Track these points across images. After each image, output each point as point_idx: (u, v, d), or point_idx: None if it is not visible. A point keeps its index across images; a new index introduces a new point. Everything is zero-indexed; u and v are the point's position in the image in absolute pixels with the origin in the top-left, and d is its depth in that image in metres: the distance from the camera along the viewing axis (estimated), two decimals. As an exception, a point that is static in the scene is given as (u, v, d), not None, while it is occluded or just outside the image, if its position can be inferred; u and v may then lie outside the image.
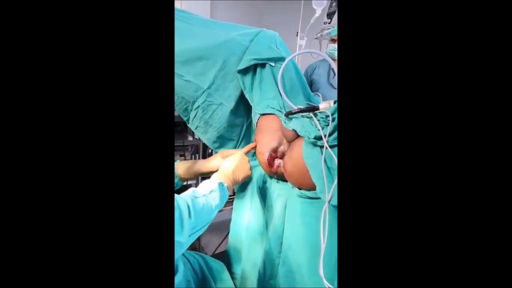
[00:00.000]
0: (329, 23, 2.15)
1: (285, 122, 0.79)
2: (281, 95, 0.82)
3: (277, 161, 0.80)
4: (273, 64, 0.89)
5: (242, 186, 0.99)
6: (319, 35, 2.17)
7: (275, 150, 0.79)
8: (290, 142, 0.76)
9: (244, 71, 0.88)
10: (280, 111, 0.82)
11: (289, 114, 0.76)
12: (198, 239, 1.65)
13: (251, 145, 0.89)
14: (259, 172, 0.92)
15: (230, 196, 1.82)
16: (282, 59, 0.89)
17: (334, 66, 1.98)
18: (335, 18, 2.09)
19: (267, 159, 0.79)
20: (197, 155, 1.74)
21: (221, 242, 1.79)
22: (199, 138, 1.59)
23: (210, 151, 2.01)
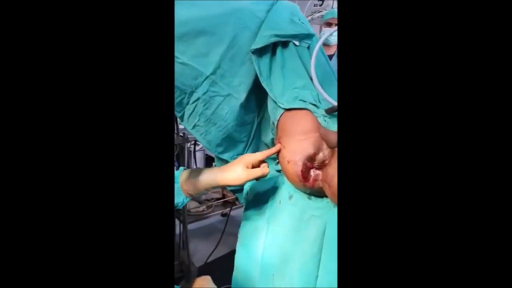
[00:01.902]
0: (320, 5, 1.96)
1: (325, 121, 0.59)
2: (314, 85, 0.62)
3: (314, 173, 0.60)
4: (297, 43, 0.68)
5: (254, 202, 0.78)
6: (309, 18, 1.99)
7: (311, 158, 0.59)
8: (334, 148, 0.57)
9: (260, 52, 0.66)
10: (315, 105, 0.61)
11: (334, 111, 0.56)
12: (188, 248, 1.43)
13: None
14: (282, 184, 0.71)
15: (218, 198, 1.57)
16: (309, 36, 0.69)
17: (327, 52, 1.80)
18: (327, 1, 1.91)
19: (301, 170, 0.59)
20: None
21: (213, 250, 1.59)
22: (183, 136, 1.34)
23: (191, 150, 1.75)
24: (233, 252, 0.80)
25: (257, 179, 0.65)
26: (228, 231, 1.51)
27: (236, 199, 1.43)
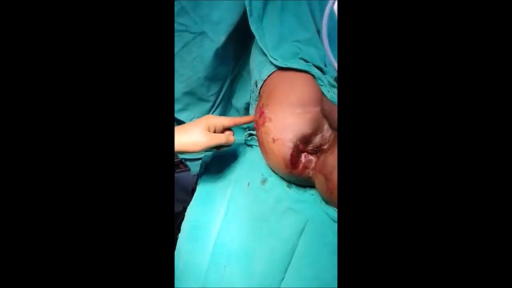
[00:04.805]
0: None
1: (333, 93, 0.44)
2: (322, 41, 0.46)
3: (305, 158, 0.46)
4: (305, -20, 0.50)
5: (212, 177, 0.62)
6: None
7: (305, 140, 0.45)
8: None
9: (254, -20, 0.47)
10: (321, 70, 0.46)
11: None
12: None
13: None
14: (253, 162, 0.56)
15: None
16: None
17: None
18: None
19: (291, 154, 0.45)
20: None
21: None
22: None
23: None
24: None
25: (218, 147, 0.51)
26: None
27: (181, 162, 1.25)
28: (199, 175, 0.68)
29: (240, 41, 0.56)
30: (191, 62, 0.51)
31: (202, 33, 0.49)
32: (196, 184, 0.74)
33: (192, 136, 0.47)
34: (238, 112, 0.64)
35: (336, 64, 0.45)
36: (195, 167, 0.71)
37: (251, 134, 0.59)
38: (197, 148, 0.47)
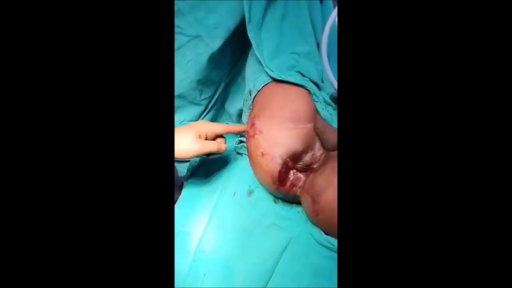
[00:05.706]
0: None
1: (327, 111, 0.42)
2: (321, 56, 0.44)
3: (293, 176, 0.45)
4: (308, -10, 0.48)
5: (199, 181, 0.61)
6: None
7: (295, 157, 0.44)
8: (331, 151, 0.42)
9: (255, -14, 0.45)
10: (317, 84, 0.44)
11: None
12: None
13: None
14: (241, 171, 0.55)
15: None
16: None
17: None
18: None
19: (280, 171, 0.43)
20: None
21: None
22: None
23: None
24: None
25: (208, 155, 0.50)
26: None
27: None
28: (185, 179, 0.66)
29: (237, 46, 0.54)
30: (185, 65, 0.49)
31: (197, 36, 0.47)
32: (184, 182, 0.72)
33: (182, 142, 0.45)
34: (230, 118, 0.62)
35: (334, 81, 0.43)
36: (182, 169, 0.69)
37: (241, 141, 0.57)
38: (187, 155, 0.46)
